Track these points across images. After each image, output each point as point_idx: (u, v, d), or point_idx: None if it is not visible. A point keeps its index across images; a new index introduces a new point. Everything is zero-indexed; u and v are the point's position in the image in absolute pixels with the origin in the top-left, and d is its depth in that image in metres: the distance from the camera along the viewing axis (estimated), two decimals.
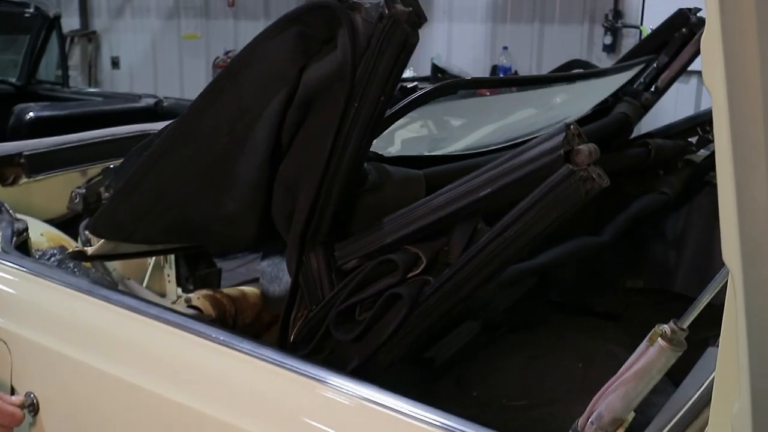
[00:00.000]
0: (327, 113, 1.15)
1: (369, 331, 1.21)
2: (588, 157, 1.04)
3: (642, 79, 2.34)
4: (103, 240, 1.46)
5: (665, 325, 1.00)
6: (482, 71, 6.77)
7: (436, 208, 1.18)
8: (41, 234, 1.75)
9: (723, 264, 0.72)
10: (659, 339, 0.99)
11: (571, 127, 1.06)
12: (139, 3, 8.95)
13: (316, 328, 1.26)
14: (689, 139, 2.41)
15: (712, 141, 2.32)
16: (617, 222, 2.07)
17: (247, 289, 1.87)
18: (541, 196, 1.06)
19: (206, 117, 1.26)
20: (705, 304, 1.02)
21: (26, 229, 1.63)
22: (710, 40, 0.69)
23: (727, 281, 0.75)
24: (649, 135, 2.35)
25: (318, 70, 1.15)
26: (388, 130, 1.49)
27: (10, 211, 1.68)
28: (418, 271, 1.20)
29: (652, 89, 2.32)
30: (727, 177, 0.70)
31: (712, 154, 2.36)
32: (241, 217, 1.32)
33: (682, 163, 2.38)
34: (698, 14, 2.29)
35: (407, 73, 4.77)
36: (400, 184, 1.31)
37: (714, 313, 1.18)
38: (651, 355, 0.99)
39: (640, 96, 2.29)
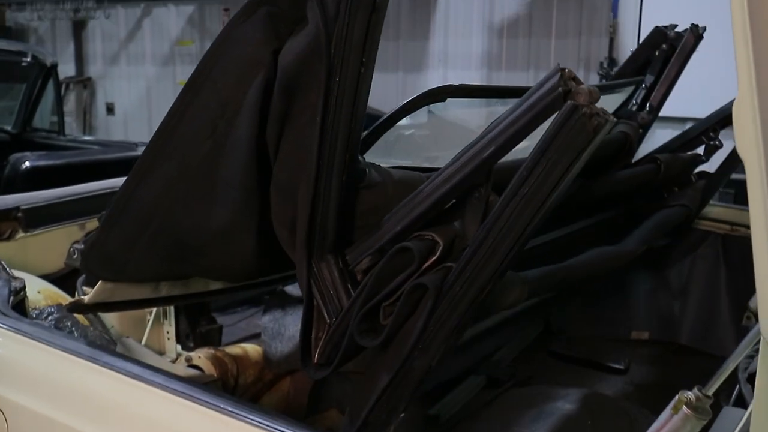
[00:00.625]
0: (310, 94, 1.10)
1: (396, 333, 1.12)
2: (589, 96, 0.96)
3: (634, 101, 2.33)
4: (99, 284, 1.41)
5: (689, 393, 0.97)
6: (478, 118, 6.79)
7: (444, 180, 1.11)
8: (38, 291, 1.72)
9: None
10: (684, 407, 0.96)
11: (566, 70, 1.00)
12: (134, 50, 9.01)
13: (339, 343, 1.17)
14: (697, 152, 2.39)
15: (720, 147, 2.30)
16: (641, 231, 2.01)
17: (249, 346, 1.83)
18: (548, 142, 0.97)
19: (186, 121, 1.20)
20: (731, 370, 0.99)
21: (23, 288, 1.59)
22: (743, 110, 0.67)
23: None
24: (656, 153, 2.34)
25: (293, 51, 1.11)
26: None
27: (7, 269, 1.64)
28: (435, 257, 1.12)
29: (647, 108, 2.32)
30: (764, 246, 0.68)
31: (725, 163, 2.32)
32: (235, 228, 1.26)
33: (695, 176, 2.35)
34: (675, 29, 2.31)
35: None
36: (402, 183, 1.24)
37: (714, 366, 1.16)
38: (675, 423, 0.96)
39: (636, 116, 2.28)
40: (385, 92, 6.15)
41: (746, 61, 0.68)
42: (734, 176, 2.32)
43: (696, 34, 2.27)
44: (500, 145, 1.05)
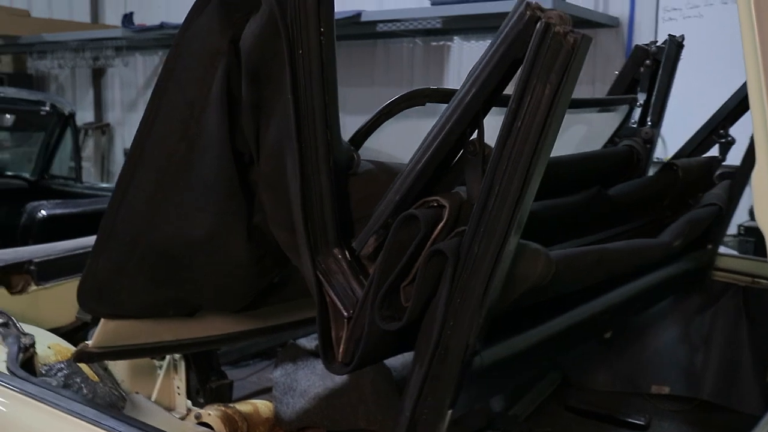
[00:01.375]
0: (277, 75, 1.07)
1: (421, 311, 1.05)
2: (559, 18, 0.92)
3: (633, 120, 2.33)
4: (100, 323, 1.37)
5: None
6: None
7: (434, 137, 1.06)
8: (48, 347, 1.70)
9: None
10: None
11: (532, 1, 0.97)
12: None
13: (362, 336, 1.10)
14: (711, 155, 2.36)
15: (734, 143, 2.28)
16: (676, 225, 1.94)
17: (260, 403, 1.80)
18: (529, 69, 0.93)
19: (156, 127, 1.17)
20: None
21: (33, 345, 1.58)
22: (762, 180, 0.65)
23: None
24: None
25: (252, 35, 1.10)
26: None
27: (18, 325, 1.63)
28: (443, 222, 1.05)
29: (648, 124, 2.30)
30: None
31: (745, 160, 2.27)
32: (220, 232, 1.21)
33: (717, 178, 2.31)
34: (656, 44, 2.32)
35: None
36: (393, 170, 1.20)
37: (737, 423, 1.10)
38: None
39: (639, 132, 2.26)
40: (400, 139, 6.13)
41: (763, 129, 0.66)
42: (753, 224, 2.27)
43: (676, 43, 2.29)
44: (482, 83, 1.02)
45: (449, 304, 1.02)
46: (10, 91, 4.59)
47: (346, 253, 1.15)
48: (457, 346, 1.03)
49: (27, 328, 1.72)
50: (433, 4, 4.68)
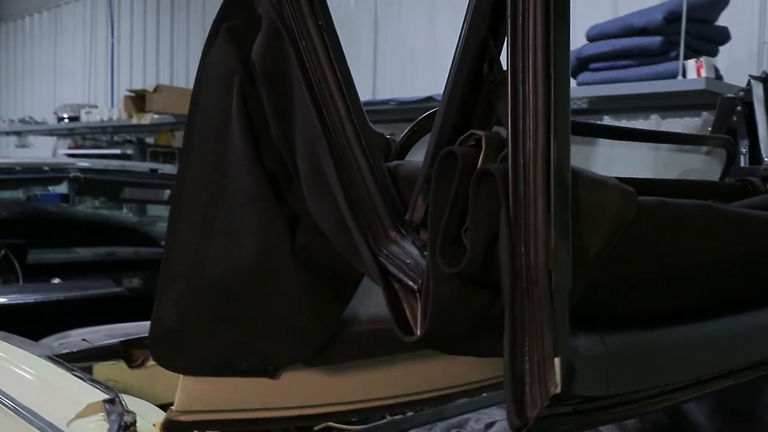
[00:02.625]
0: (290, 73, 1.10)
1: (487, 250, 0.94)
2: None
3: (742, 162, 2.18)
4: (180, 383, 1.33)
5: None
6: None
7: (450, 77, 1.01)
8: (153, 424, 1.65)
9: None
10: None
11: None
12: None
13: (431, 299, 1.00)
14: None
15: None
16: None
17: None
18: None
19: (192, 162, 1.21)
20: None
21: (134, 423, 1.54)
22: None
23: None
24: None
25: (260, 46, 1.14)
26: None
27: (123, 403, 1.60)
28: (483, 151, 0.96)
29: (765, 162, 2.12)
30: None
31: None
32: (267, 254, 1.19)
33: None
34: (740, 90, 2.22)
35: None
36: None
37: None
38: None
39: (757, 171, 2.06)
40: None
41: None
42: None
43: (762, 80, 2.20)
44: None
45: (512, 226, 0.91)
46: (168, 168, 4.84)
47: (402, 230, 1.07)
48: (538, 275, 0.90)
49: (139, 403, 1.69)
50: (579, 84, 4.53)
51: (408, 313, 1.05)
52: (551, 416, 0.93)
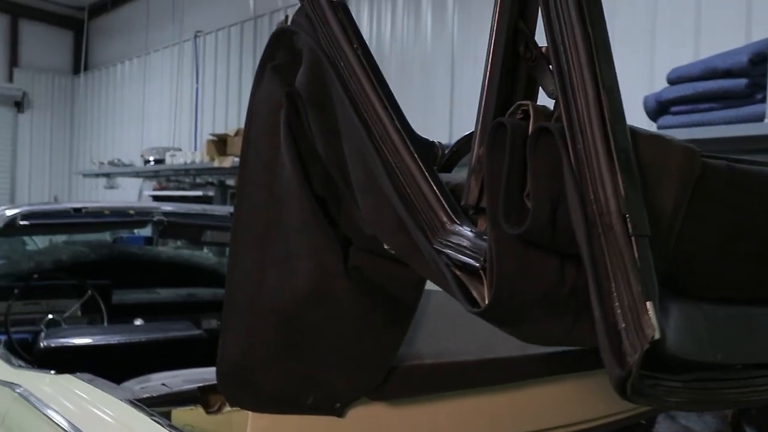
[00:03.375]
0: (333, 94, 1.16)
1: (552, 208, 0.93)
2: None
3: None
4: (249, 422, 1.33)
5: None
6: None
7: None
8: None
9: None
10: None
11: None
12: None
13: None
14: None
15: None
16: None
17: None
18: None
19: (246, 194, 1.27)
20: None
21: None
22: None
23: None
24: None
25: (303, 73, 1.21)
26: None
27: None
28: (532, 118, 0.96)
29: None
30: None
31: None
32: (322, 275, 1.21)
33: None
34: None
35: None
36: None
37: None
38: None
39: None
40: None
41: None
42: None
43: None
44: None
45: (577, 176, 0.90)
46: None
47: (458, 221, 1.07)
48: (612, 220, 0.87)
49: None
50: (660, 127, 4.44)
51: (475, 294, 1.04)
52: (659, 385, 0.89)
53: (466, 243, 1.04)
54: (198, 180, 10.18)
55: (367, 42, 1.16)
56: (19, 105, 14.68)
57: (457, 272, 1.04)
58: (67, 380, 2.17)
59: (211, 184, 9.85)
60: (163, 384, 2.19)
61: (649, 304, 0.85)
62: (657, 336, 0.83)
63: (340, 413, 1.37)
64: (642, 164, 0.94)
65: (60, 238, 4.92)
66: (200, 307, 4.43)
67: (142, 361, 3.18)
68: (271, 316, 1.28)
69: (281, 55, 1.27)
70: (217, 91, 10.92)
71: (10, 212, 3.53)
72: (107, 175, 12.37)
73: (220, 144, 8.60)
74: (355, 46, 1.16)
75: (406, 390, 1.42)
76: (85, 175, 13.36)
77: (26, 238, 4.98)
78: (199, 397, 2.09)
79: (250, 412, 1.36)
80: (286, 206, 1.23)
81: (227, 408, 2.08)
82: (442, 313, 1.62)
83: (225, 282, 1.31)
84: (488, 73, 1.08)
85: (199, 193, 9.60)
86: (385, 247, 1.19)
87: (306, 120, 1.21)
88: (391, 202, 1.09)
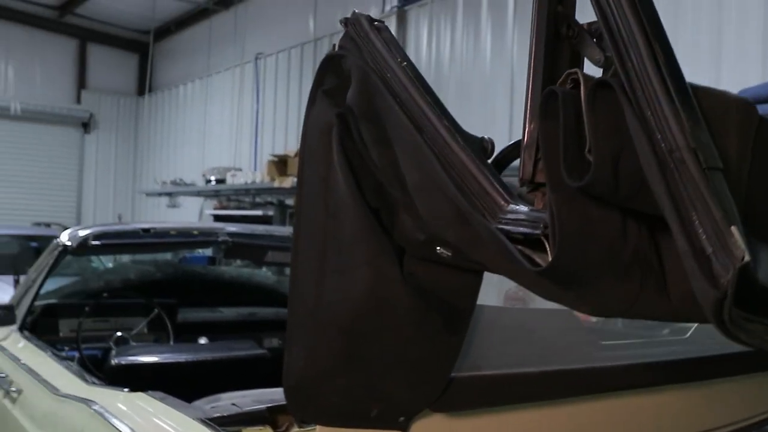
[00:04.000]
0: (383, 104, 1.22)
1: (614, 159, 0.96)
2: None
3: None
4: None
5: None
6: None
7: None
8: None
9: None
10: None
11: None
12: None
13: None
14: None
15: None
16: None
17: None
18: None
19: (305, 212, 1.34)
20: None
21: None
22: None
23: None
24: None
25: (353, 90, 1.28)
26: None
27: None
28: (583, 83, 1.00)
29: None
30: None
31: None
32: (379, 280, 1.24)
33: None
34: None
35: None
36: None
37: None
38: None
39: None
40: None
41: None
42: None
43: None
44: None
45: (641, 119, 0.92)
46: None
47: (515, 201, 1.11)
48: (683, 155, 0.89)
49: None
50: None
51: (538, 260, 1.06)
52: (755, 321, 0.89)
53: (524, 217, 1.08)
54: (257, 199, 10.33)
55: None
56: (86, 126, 15.15)
57: (519, 246, 1.08)
58: (141, 398, 2.23)
59: (271, 203, 9.99)
60: (233, 404, 2.23)
61: (733, 228, 0.86)
62: (747, 258, 0.84)
63: (404, 427, 1.38)
64: (703, 112, 0.96)
65: (127, 257, 5.05)
66: (261, 326, 4.49)
67: (207, 379, 3.24)
68: (332, 327, 1.30)
69: (330, 80, 1.34)
70: (276, 112, 11.09)
71: (82, 232, 3.64)
72: (169, 194, 12.64)
73: (280, 164, 8.73)
74: (399, 59, 1.25)
75: (467, 402, 1.43)
76: (148, 194, 13.68)
77: (92, 257, 5.12)
78: (268, 417, 2.12)
79: (317, 426, 1.38)
80: (342, 219, 1.28)
81: (295, 429, 2.10)
82: (495, 328, 1.63)
83: (287, 298, 1.36)
84: (533, 56, 1.16)
85: (259, 212, 9.74)
86: (438, 250, 1.22)
87: (358, 136, 1.27)
88: (448, 195, 1.14)
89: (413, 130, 1.18)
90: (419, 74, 1.25)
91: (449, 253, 1.22)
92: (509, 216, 1.09)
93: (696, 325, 1.88)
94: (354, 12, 1.34)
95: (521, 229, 1.07)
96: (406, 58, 1.26)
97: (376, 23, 1.31)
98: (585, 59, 1.15)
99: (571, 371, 1.62)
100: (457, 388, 1.38)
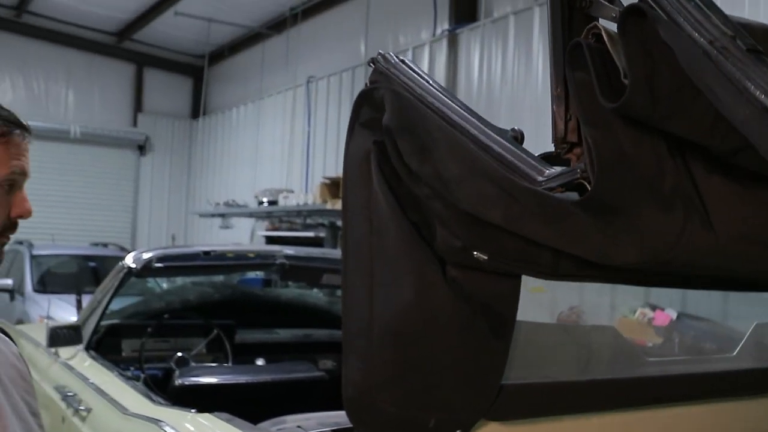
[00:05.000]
0: (421, 117, 1.32)
1: (644, 73, 1.04)
2: None
3: None
4: None
5: None
6: None
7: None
8: None
9: None
10: None
11: None
12: None
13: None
14: None
15: None
16: None
17: None
18: None
19: (351, 233, 1.43)
20: None
21: None
22: None
23: None
24: None
25: (390, 113, 1.37)
26: None
27: None
28: (606, 36, 1.11)
29: None
30: None
31: None
32: (425, 285, 1.33)
33: None
34: None
35: None
36: None
37: None
38: None
39: None
40: None
41: None
42: None
43: None
44: None
45: (677, 24, 1.00)
46: None
47: (545, 168, 1.23)
48: (724, 42, 0.98)
49: None
50: None
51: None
52: None
53: (561, 173, 1.20)
54: (308, 221, 10.44)
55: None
56: (141, 148, 15.50)
57: (561, 195, 1.19)
58: (208, 419, 2.29)
59: (323, 225, 10.08)
60: (299, 426, 2.28)
61: None
62: None
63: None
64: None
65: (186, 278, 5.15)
66: (316, 348, 4.54)
67: (266, 401, 3.29)
68: (384, 337, 1.37)
69: (365, 112, 1.44)
70: (328, 134, 11.21)
71: (146, 255, 3.75)
72: (222, 215, 12.84)
73: (332, 186, 8.82)
74: (425, 78, 1.38)
75: (519, 411, 1.49)
76: (201, 215, 13.91)
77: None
78: None
79: None
80: (385, 236, 1.37)
81: None
82: (542, 342, 1.67)
83: (341, 315, 1.43)
84: (551, 33, 1.24)
85: (310, 233, 9.83)
86: (474, 255, 1.30)
87: (396, 154, 1.37)
88: (491, 175, 1.24)
89: (449, 128, 1.29)
90: (443, 87, 1.38)
91: (485, 257, 1.30)
92: (548, 177, 1.21)
93: (743, 341, 1.89)
94: (379, 52, 1.46)
95: (561, 182, 1.19)
96: (431, 77, 1.40)
97: (399, 58, 1.44)
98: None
99: (621, 380, 1.68)
100: (509, 396, 1.44)
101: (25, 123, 1.39)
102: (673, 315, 5.69)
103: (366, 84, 1.46)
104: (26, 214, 1.37)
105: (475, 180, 1.25)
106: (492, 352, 1.39)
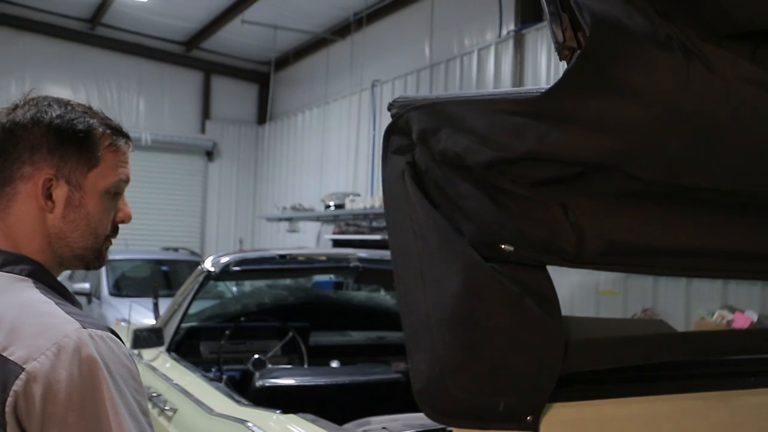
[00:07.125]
0: (443, 111, 1.54)
1: None
2: None
3: None
4: None
5: None
6: None
7: None
8: None
9: None
10: None
11: None
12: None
13: None
14: None
15: None
16: None
17: None
18: None
19: (397, 243, 1.59)
20: None
21: None
22: None
23: None
24: None
25: (416, 122, 1.57)
26: None
27: None
28: None
29: None
30: None
31: None
32: (468, 271, 1.44)
33: None
34: None
35: None
36: None
37: None
38: None
39: None
40: None
41: None
42: None
43: None
44: None
45: None
46: None
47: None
48: None
49: None
50: None
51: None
52: None
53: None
54: (374, 224, 10.48)
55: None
56: (209, 154, 15.80)
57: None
58: (293, 420, 2.32)
59: None
60: (384, 428, 2.29)
61: None
62: None
63: (534, 427, 1.43)
64: None
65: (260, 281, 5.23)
66: (389, 350, 4.55)
67: (344, 402, 3.32)
68: (442, 323, 1.46)
69: (395, 140, 1.64)
70: None
71: (224, 259, 3.83)
72: (289, 219, 12.99)
73: None
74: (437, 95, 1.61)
75: (585, 393, 1.56)
76: (268, 219, 14.10)
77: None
78: None
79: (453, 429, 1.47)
80: (428, 236, 1.54)
81: None
82: (598, 334, 1.70)
83: (400, 311, 1.56)
84: None
85: (377, 236, 9.87)
86: (502, 248, 1.46)
87: (428, 159, 1.55)
88: (508, 114, 1.42)
89: (465, 105, 1.51)
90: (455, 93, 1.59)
91: (511, 248, 1.44)
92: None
93: None
94: (396, 98, 1.67)
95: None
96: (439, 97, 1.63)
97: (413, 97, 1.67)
98: None
99: (687, 363, 1.75)
100: (575, 379, 1.50)
101: (127, 132, 1.43)
102: (754, 317, 5.53)
103: (390, 115, 1.65)
104: (128, 218, 1.42)
105: (498, 126, 1.43)
106: (545, 331, 1.44)
